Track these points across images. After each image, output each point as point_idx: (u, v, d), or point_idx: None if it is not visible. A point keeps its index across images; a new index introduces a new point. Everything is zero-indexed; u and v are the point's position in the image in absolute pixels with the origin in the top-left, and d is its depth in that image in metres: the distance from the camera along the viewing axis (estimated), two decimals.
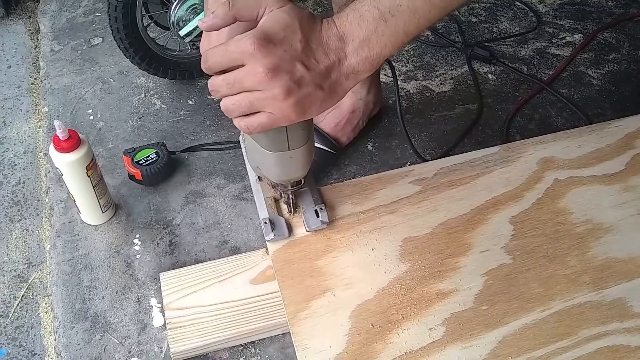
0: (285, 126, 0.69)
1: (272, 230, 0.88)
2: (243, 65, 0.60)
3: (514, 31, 1.46)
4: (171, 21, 1.15)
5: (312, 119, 0.71)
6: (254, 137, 0.73)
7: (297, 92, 0.60)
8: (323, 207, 0.90)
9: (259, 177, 0.93)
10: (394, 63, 1.27)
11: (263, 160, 0.76)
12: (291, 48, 0.60)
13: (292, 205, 0.90)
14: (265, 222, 0.88)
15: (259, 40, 0.58)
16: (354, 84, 0.65)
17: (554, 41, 1.44)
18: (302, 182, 0.84)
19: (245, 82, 0.60)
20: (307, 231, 0.89)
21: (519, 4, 1.54)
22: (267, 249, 0.90)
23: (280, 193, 0.89)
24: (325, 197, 0.94)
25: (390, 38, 0.62)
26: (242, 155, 1.05)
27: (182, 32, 1.14)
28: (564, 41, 1.44)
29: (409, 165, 1.12)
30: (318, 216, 0.89)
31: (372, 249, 0.88)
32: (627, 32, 1.46)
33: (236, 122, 0.64)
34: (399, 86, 1.29)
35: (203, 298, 0.87)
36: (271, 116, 0.62)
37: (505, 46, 1.42)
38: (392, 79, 1.31)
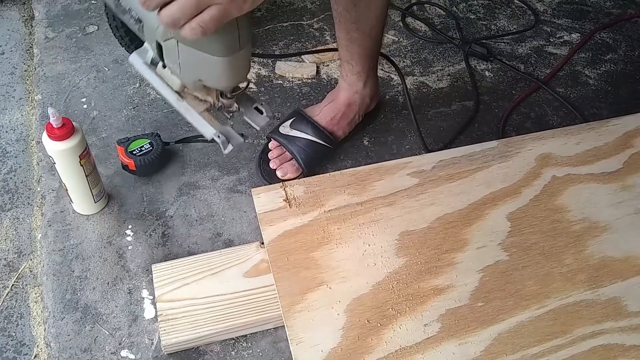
0: (237, 24, 0.68)
1: (229, 142, 0.81)
2: None
3: (511, 29, 1.46)
4: None
5: (250, 18, 0.70)
6: (201, 46, 0.71)
7: None
8: (263, 102, 0.84)
9: (180, 95, 0.86)
10: (392, 58, 1.27)
11: (211, 69, 0.74)
12: None
13: (234, 110, 0.85)
14: (218, 136, 0.81)
15: None
16: None
17: (551, 40, 1.44)
18: (247, 85, 0.82)
19: None
20: (257, 129, 0.84)
21: (518, 2, 1.54)
22: (261, 242, 0.89)
23: (221, 102, 0.83)
24: (321, 186, 0.93)
25: None
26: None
27: None
28: (561, 40, 1.44)
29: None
30: (262, 112, 0.83)
31: (369, 243, 0.88)
32: (625, 33, 1.46)
33: (187, 27, 0.62)
34: (397, 81, 1.29)
35: (195, 290, 0.86)
36: (220, 7, 0.61)
37: (502, 44, 1.42)
38: (388, 74, 1.31)
